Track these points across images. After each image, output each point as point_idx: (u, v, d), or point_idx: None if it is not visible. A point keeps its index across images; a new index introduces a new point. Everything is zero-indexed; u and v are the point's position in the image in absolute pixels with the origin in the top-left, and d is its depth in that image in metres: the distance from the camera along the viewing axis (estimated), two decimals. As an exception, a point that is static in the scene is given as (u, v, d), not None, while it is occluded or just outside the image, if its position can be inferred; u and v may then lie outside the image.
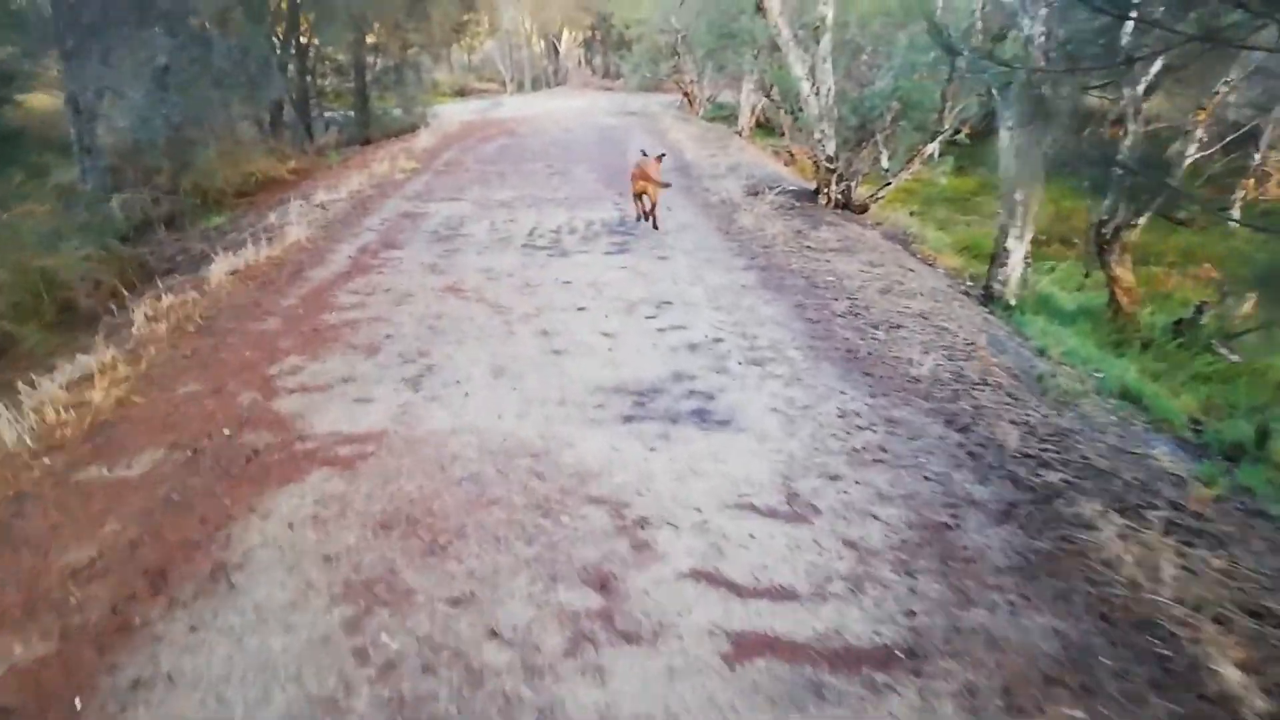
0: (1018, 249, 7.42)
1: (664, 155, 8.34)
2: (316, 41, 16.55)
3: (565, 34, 40.69)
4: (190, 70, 11.92)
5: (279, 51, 15.18)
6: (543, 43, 40.93)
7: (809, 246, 7.40)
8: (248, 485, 3.19)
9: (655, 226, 7.88)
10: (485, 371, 4.36)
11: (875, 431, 3.68)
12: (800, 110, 9.24)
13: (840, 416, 3.83)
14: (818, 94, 9.01)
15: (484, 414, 3.82)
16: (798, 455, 3.42)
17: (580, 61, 41.71)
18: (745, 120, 17.40)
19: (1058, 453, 3.57)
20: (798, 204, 9.25)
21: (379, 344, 4.80)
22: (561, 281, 6.14)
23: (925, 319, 5.60)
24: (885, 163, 9.34)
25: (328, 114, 19.12)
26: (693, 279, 6.24)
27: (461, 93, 35.43)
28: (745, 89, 17.36)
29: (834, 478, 3.24)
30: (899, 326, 5.30)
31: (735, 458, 3.40)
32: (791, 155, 16.11)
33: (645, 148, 9.09)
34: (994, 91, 7.54)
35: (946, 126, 8.81)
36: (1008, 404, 4.18)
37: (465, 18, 19.95)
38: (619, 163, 11.51)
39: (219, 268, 6.36)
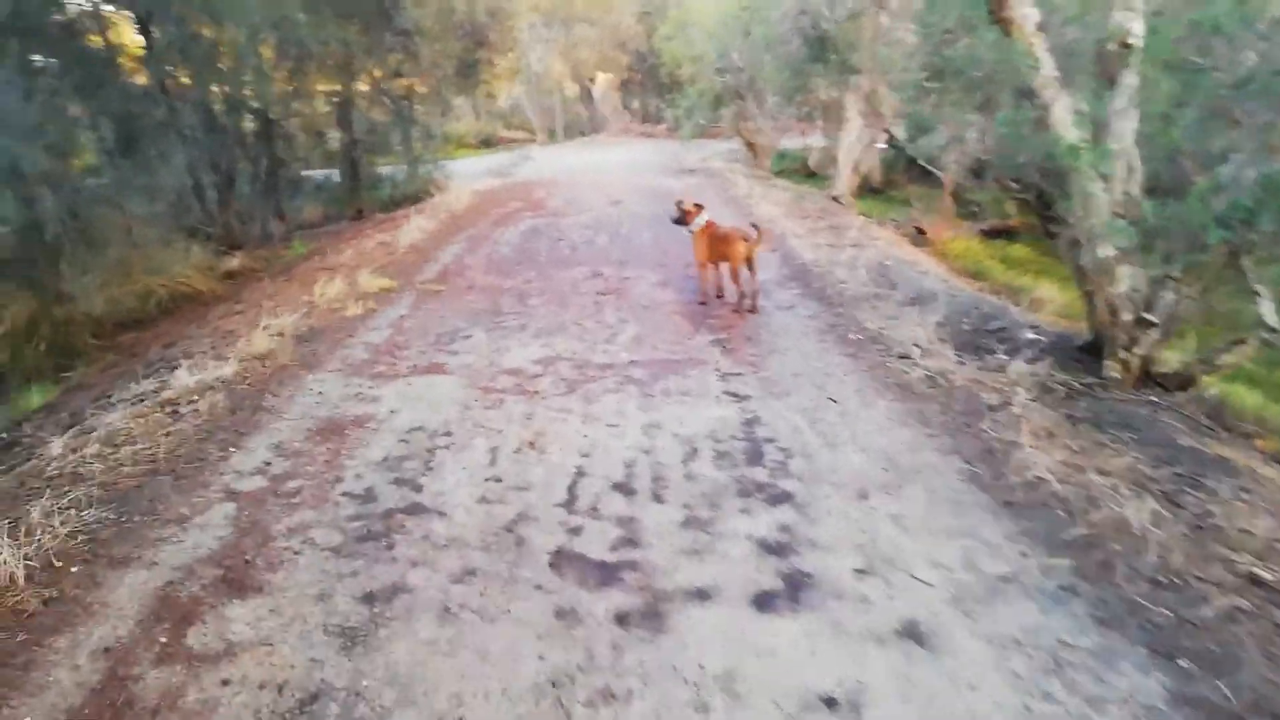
0: None
1: (760, 234, 6.35)
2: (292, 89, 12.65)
3: (600, 76, 37.13)
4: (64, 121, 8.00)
5: (225, 106, 11.26)
6: (576, 86, 37.41)
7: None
8: None
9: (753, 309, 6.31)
10: None
11: None
12: (1068, 201, 4.92)
13: None
14: (1104, 179, 4.70)
15: None
16: None
17: (617, 106, 38.06)
18: (846, 180, 13.16)
19: None
20: (1065, 376, 4.93)
21: None
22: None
23: None
24: (1269, 311, 4.86)
25: (314, 176, 15.29)
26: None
27: (488, 143, 31.91)
28: (846, 137, 13.14)
29: None
30: None
31: None
32: (921, 233, 11.83)
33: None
34: None
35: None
36: None
37: (475, 56, 16.11)
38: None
39: None
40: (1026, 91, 4.87)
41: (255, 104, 11.85)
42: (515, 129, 34.82)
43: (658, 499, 3.58)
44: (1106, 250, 4.79)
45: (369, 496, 3.64)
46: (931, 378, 4.87)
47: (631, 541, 3.24)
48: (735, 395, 4.75)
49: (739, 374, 5.10)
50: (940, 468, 3.80)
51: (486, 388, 4.93)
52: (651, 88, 35.65)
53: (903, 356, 5.26)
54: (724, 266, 6.52)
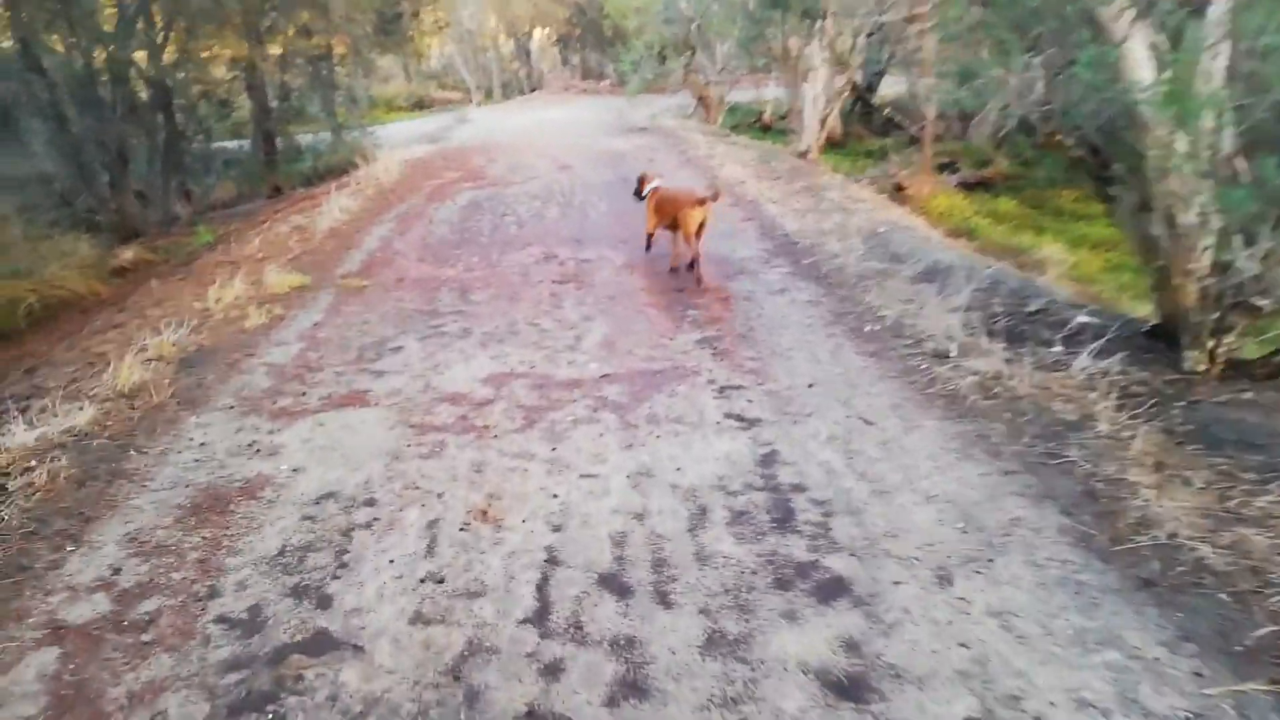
0: None
1: (717, 196, 5.88)
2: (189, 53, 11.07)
3: (537, 32, 35.26)
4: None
5: (110, 76, 9.71)
6: (512, 43, 35.51)
7: None
8: None
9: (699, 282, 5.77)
10: None
11: None
12: (1136, 149, 3.93)
13: None
14: (1185, 122, 3.71)
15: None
16: None
17: (556, 63, 36.29)
18: (813, 136, 12.09)
19: None
20: (1143, 374, 4.00)
21: None
22: None
23: None
24: None
25: (228, 148, 13.71)
26: None
27: (421, 105, 30.11)
28: (811, 88, 12.04)
29: None
30: None
31: None
32: (900, 190, 10.87)
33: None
34: None
35: None
36: None
37: (396, 9, 14.44)
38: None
39: None
40: (1090, 23, 3.83)
41: (148, 72, 10.31)
42: (449, 90, 32.94)
43: (663, 600, 2.55)
44: (1188, 217, 3.84)
45: (254, 623, 2.54)
46: (983, 384, 3.90)
47: (636, 688, 2.22)
48: (741, 420, 3.73)
49: (740, 387, 4.07)
50: (1035, 524, 2.84)
51: (421, 424, 3.83)
52: (592, 42, 33.99)
53: (939, 355, 4.28)
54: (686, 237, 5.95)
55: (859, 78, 16.70)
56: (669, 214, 5.95)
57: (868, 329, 4.78)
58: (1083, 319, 4.59)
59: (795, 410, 3.80)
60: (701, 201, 5.67)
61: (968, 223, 9.95)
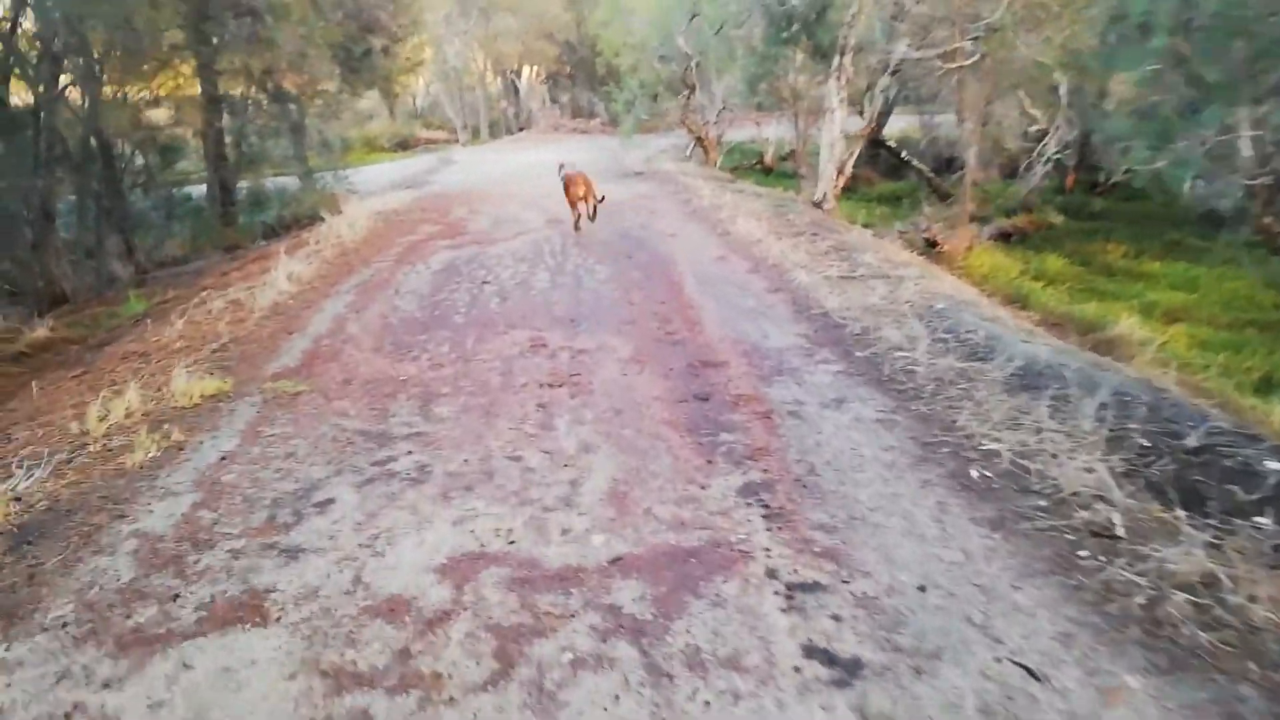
0: None
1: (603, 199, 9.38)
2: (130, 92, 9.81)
3: (526, 70, 34.39)
4: None
5: (34, 116, 8.44)
6: (499, 81, 34.62)
7: None
8: None
9: (592, 218, 9.29)
10: None
11: None
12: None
13: None
14: None
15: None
16: None
17: (545, 101, 35.40)
18: (829, 184, 10.89)
19: None
20: None
21: None
22: None
23: None
24: None
25: (192, 195, 12.44)
26: None
27: (404, 145, 29.06)
28: (828, 131, 10.87)
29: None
30: None
31: None
32: (933, 245, 9.67)
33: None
34: None
35: None
36: None
37: (366, 45, 13.20)
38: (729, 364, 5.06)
39: None
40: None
41: (81, 112, 9.04)
42: (434, 129, 31.97)
43: None
44: None
45: None
46: (1195, 602, 2.58)
47: None
48: (831, 663, 2.41)
49: (816, 587, 2.76)
50: None
51: (338, 669, 2.48)
52: (583, 80, 33.15)
53: (1100, 533, 2.98)
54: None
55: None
56: (572, 193, 9.14)
57: (975, 474, 3.48)
58: (1272, 464, 3.30)
59: (911, 643, 2.48)
60: (587, 179, 9.16)
61: (1016, 286, 8.73)
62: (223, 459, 3.92)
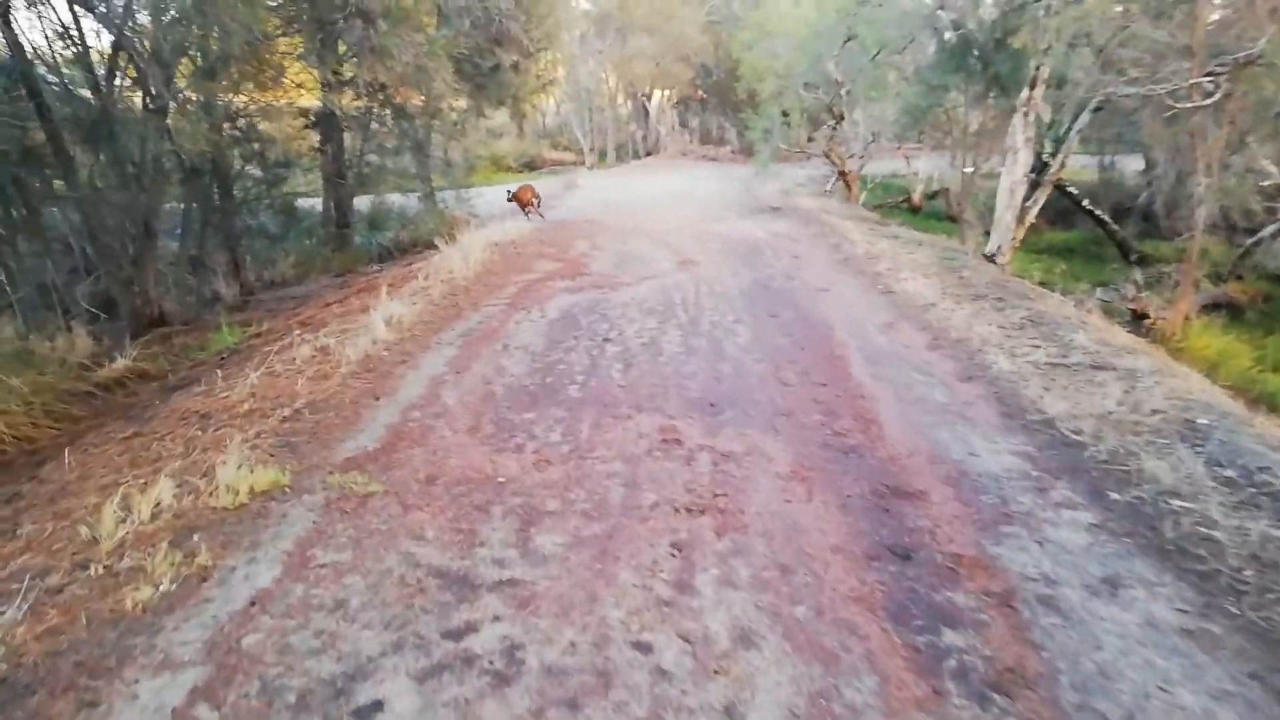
0: None
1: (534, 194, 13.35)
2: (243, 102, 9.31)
3: (657, 93, 33.71)
4: None
5: (143, 125, 7.96)
6: (629, 103, 34.05)
7: None
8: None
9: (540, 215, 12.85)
10: None
11: None
12: None
13: None
14: None
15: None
16: None
17: (674, 125, 34.62)
18: (1007, 235, 9.31)
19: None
20: None
21: None
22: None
23: None
24: None
25: (305, 208, 12.00)
26: None
27: (531, 165, 28.77)
28: (1009, 175, 9.30)
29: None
30: None
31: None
32: (1140, 318, 7.96)
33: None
34: None
35: None
36: None
37: (495, 60, 12.36)
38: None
39: None
40: None
41: (192, 118, 8.52)
42: (562, 149, 31.64)
43: None
44: None
45: None
46: None
47: None
48: None
49: None
50: None
51: None
52: (715, 105, 32.17)
53: None
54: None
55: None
56: (522, 199, 12.93)
57: None
58: None
59: None
60: (532, 189, 13.20)
61: (1252, 378, 6.95)
62: (252, 604, 2.90)
